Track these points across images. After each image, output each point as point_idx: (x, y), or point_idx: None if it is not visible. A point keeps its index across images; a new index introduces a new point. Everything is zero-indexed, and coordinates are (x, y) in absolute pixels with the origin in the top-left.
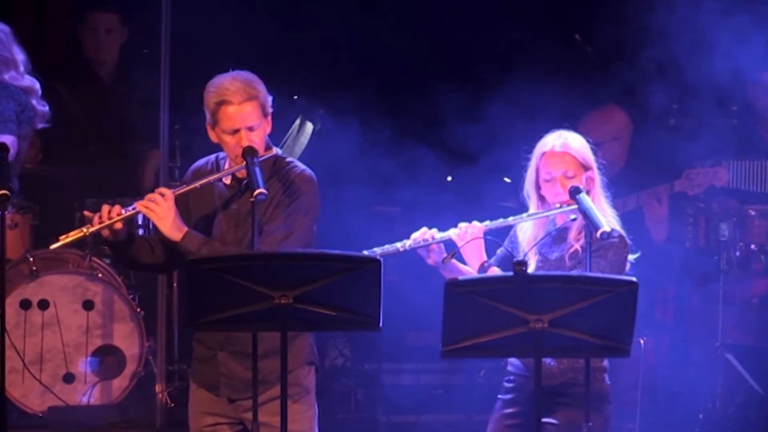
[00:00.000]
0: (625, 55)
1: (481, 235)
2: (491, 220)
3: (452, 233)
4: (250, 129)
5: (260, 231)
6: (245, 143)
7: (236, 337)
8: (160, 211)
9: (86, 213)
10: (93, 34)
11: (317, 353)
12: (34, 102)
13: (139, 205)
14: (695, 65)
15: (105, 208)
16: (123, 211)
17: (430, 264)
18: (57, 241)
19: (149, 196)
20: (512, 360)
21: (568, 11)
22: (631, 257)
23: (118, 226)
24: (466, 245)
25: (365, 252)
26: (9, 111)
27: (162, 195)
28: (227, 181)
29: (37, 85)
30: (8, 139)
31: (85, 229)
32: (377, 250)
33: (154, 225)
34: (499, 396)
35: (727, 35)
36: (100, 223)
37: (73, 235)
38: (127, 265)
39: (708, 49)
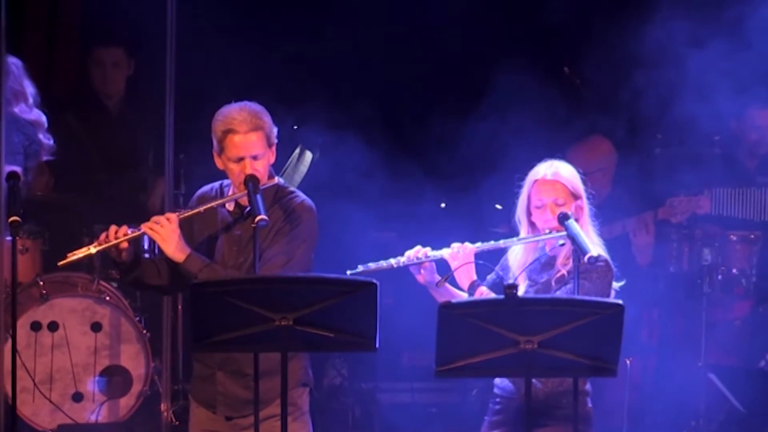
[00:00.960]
0: (612, 87)
1: (473, 256)
2: (482, 242)
3: (445, 252)
4: (255, 158)
5: (260, 256)
6: (249, 171)
7: (235, 357)
8: (165, 233)
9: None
10: (100, 68)
11: (312, 375)
12: (40, 135)
13: (144, 227)
14: (680, 97)
15: (112, 228)
16: (129, 232)
17: (420, 282)
18: (65, 258)
19: (155, 218)
20: (498, 383)
21: (558, 45)
22: (616, 285)
23: (124, 245)
24: (459, 269)
25: (360, 267)
26: (17, 144)
27: (167, 219)
28: (230, 207)
29: (44, 119)
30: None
31: (92, 247)
32: (372, 265)
33: (159, 247)
34: (486, 417)
35: (711, 68)
36: (106, 242)
37: (81, 253)
38: (132, 285)
39: (692, 82)
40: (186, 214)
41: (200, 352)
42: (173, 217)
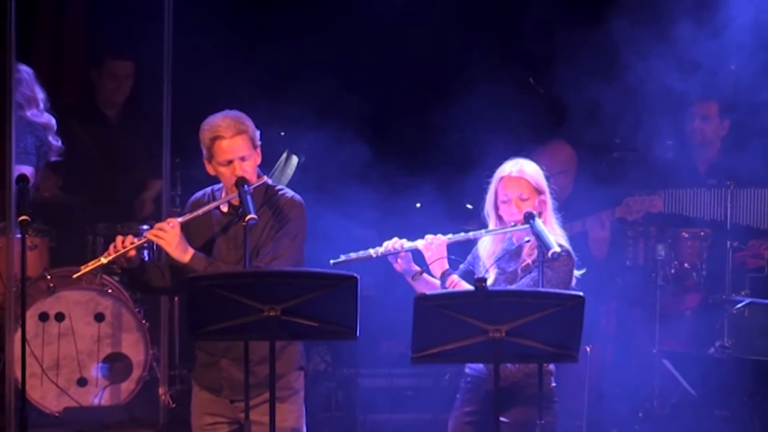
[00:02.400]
0: (574, 96)
1: (445, 248)
2: (453, 233)
3: (419, 243)
4: (242, 159)
5: (257, 253)
6: (239, 173)
7: (236, 345)
8: (169, 237)
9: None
10: (114, 79)
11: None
12: (50, 137)
13: (149, 234)
14: (636, 105)
15: (119, 238)
16: (135, 240)
17: (397, 269)
18: (78, 270)
19: (158, 225)
20: (469, 363)
21: (524, 59)
22: (577, 273)
23: (132, 253)
24: (432, 256)
25: (342, 256)
26: (30, 145)
27: (170, 224)
28: (224, 209)
29: (54, 122)
30: (28, 170)
31: (103, 258)
32: (353, 255)
33: (159, 249)
34: (458, 395)
35: (665, 78)
36: (115, 252)
37: (92, 264)
38: (140, 289)
39: (648, 91)
40: (186, 218)
41: (196, 341)
42: (175, 222)
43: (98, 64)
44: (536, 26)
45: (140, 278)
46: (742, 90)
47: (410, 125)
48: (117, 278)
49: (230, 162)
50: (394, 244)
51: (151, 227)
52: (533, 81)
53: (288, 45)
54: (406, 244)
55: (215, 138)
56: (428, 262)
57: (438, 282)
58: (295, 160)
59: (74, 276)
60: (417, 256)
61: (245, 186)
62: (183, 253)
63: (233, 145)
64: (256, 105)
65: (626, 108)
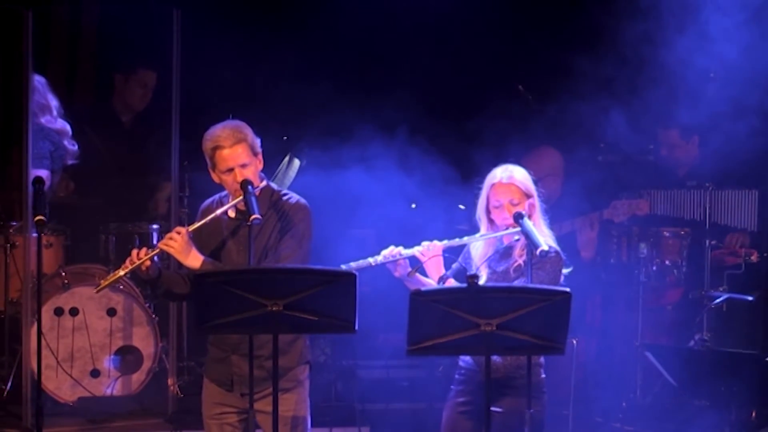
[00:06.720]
0: (560, 103)
1: (441, 252)
2: (449, 239)
3: (416, 250)
4: (243, 166)
5: (266, 256)
6: (240, 179)
7: (246, 341)
8: (178, 246)
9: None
10: (142, 87)
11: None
12: (65, 142)
13: (160, 244)
14: (619, 111)
15: (134, 251)
16: (149, 251)
17: (396, 276)
18: (99, 285)
19: (168, 235)
20: (463, 356)
21: (515, 69)
22: (565, 271)
23: (147, 263)
24: (429, 261)
25: (343, 266)
26: (44, 149)
27: (178, 233)
28: (232, 214)
29: (68, 128)
30: (43, 173)
31: (120, 271)
32: (353, 264)
33: (169, 256)
34: (452, 387)
35: (642, 88)
36: (132, 264)
37: (112, 278)
38: (164, 297)
39: (627, 99)
40: (194, 226)
41: (204, 335)
42: (183, 230)
43: (126, 71)
44: (526, 41)
45: (162, 288)
46: (721, 98)
47: (408, 133)
48: (128, 275)
49: (231, 170)
50: (391, 252)
51: (160, 227)
52: (522, 89)
53: (293, 54)
54: (404, 251)
55: (216, 148)
56: (426, 268)
57: (433, 283)
58: (297, 163)
59: (96, 291)
60: (413, 262)
61: (249, 187)
62: (193, 260)
63: (233, 153)
64: (259, 109)
65: (608, 114)
